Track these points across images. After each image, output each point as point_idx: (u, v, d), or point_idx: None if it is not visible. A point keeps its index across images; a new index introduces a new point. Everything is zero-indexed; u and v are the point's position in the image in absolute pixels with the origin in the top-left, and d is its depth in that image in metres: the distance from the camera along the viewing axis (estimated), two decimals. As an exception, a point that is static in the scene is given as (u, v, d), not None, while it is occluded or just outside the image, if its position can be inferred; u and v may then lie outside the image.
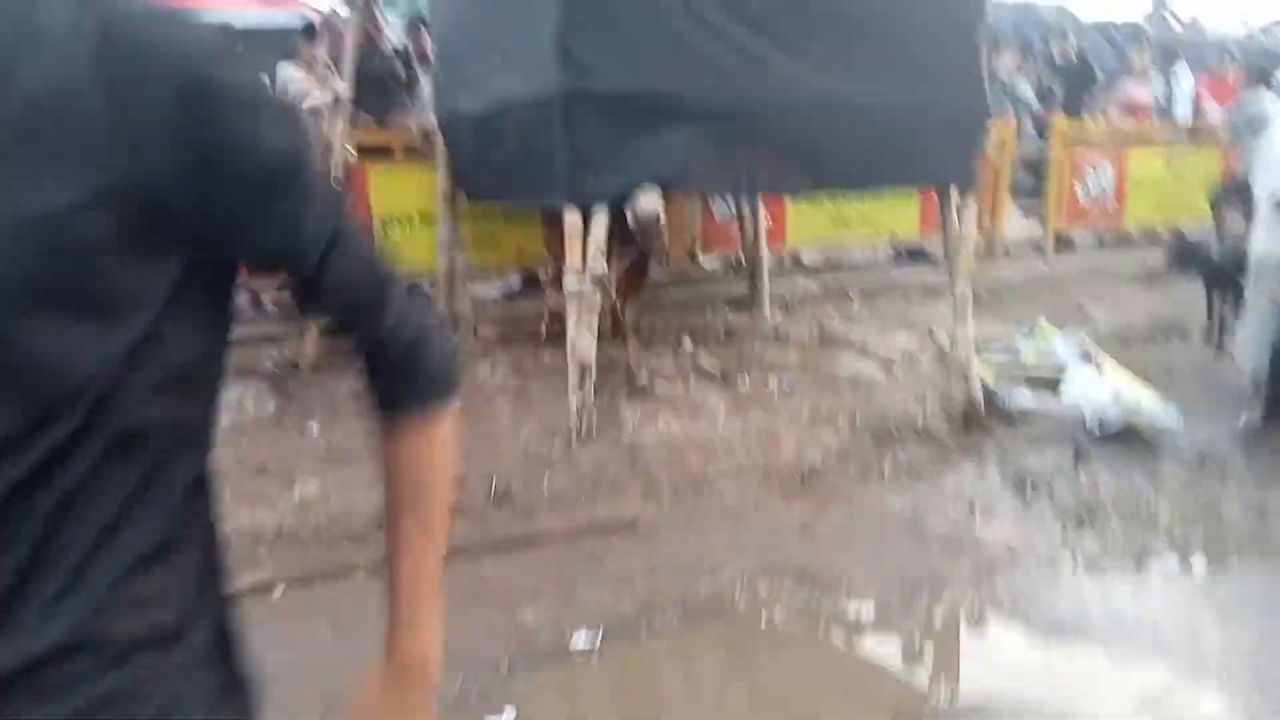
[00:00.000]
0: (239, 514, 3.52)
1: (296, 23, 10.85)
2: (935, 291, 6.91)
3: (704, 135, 4.10)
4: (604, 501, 3.95)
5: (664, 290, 6.94)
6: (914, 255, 8.23)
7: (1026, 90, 8.93)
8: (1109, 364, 5.59)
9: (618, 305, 4.99)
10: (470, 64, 4.89)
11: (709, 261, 7.56)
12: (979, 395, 4.90)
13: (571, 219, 4.06)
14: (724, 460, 4.31)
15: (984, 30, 4.73)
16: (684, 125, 4.03)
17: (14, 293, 0.68)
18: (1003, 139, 8.25)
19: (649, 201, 4.05)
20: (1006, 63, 8.57)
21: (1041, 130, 8.73)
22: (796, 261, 7.97)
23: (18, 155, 0.67)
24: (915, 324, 6.54)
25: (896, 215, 7.65)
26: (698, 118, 4.06)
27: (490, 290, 7.06)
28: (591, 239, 4.05)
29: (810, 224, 7.55)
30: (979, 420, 4.87)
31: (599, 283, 4.12)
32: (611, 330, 5.17)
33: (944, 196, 4.81)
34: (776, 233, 7.39)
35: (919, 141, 4.55)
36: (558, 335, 4.99)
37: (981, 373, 5.23)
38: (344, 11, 4.92)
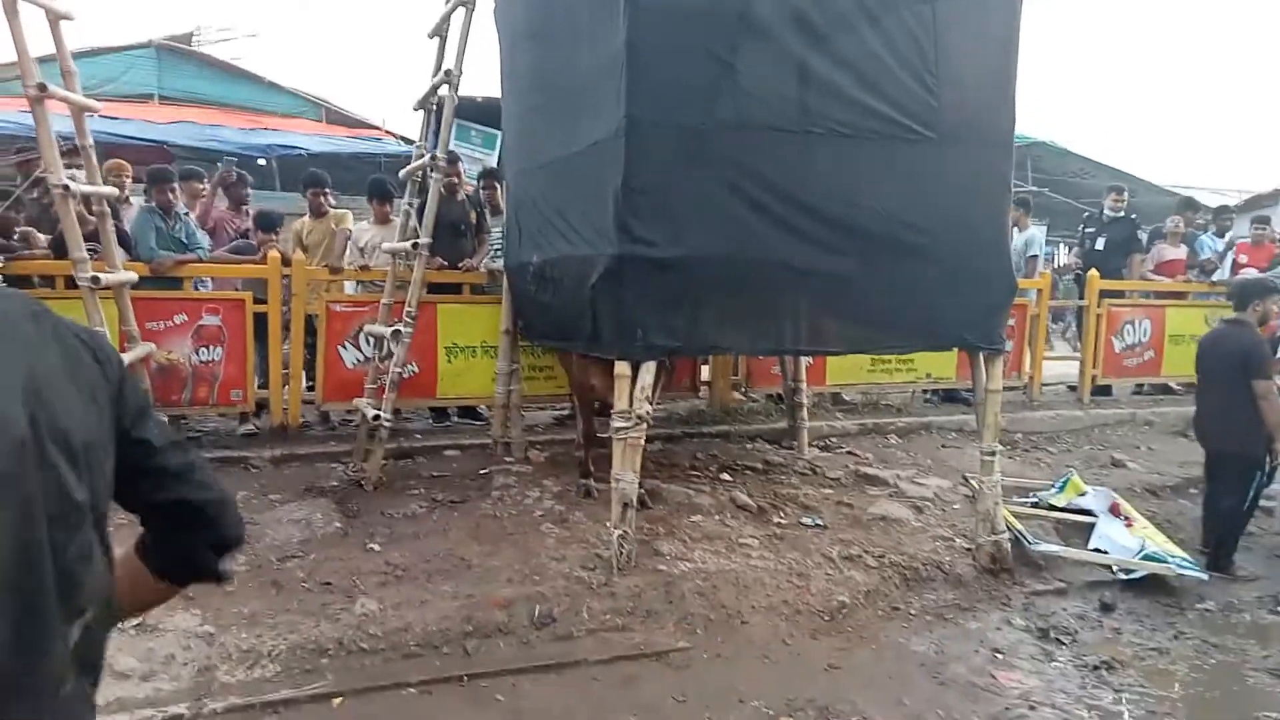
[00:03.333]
0: (305, 626, 3.84)
1: (373, 149, 12.28)
2: (970, 433, 7.13)
3: (746, 301, 4.46)
4: (640, 630, 4.17)
5: (707, 423, 7.27)
6: (950, 397, 8.49)
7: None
8: (1139, 519, 5.73)
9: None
10: (535, 222, 5.40)
11: (753, 396, 7.88)
12: (1006, 542, 5.06)
13: (620, 366, 4.43)
14: (756, 595, 4.47)
15: (1008, 203, 5.07)
16: (727, 292, 4.40)
17: None
18: (1041, 290, 8.60)
19: None
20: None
21: (1081, 284, 9.08)
22: (837, 400, 8.25)
23: None
24: (948, 465, 6.73)
25: (934, 359, 7.91)
26: (741, 284, 4.42)
27: (545, 416, 7.46)
28: (639, 384, 4.40)
29: (850, 365, 7.82)
30: (1006, 566, 5.02)
31: (643, 421, 4.45)
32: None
33: (973, 355, 5.06)
34: (818, 372, 7.69)
35: (947, 308, 4.81)
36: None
37: (1010, 520, 5.41)
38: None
